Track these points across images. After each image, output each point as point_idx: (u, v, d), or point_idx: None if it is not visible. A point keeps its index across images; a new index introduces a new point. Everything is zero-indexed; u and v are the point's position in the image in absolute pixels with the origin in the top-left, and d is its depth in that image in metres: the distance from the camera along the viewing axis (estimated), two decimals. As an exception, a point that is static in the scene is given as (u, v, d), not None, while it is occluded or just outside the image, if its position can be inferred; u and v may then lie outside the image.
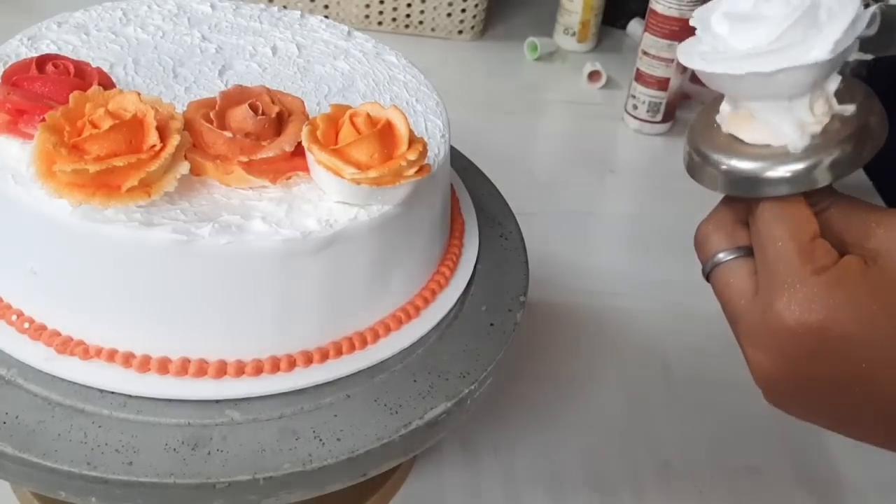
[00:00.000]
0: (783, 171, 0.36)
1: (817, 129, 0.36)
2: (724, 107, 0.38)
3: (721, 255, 0.40)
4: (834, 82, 0.36)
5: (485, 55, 1.11)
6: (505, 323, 0.51)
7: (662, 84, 0.96)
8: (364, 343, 0.46)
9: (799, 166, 0.36)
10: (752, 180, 0.37)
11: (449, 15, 1.09)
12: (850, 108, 0.36)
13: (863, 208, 0.37)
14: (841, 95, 0.36)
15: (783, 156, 0.36)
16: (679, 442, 0.64)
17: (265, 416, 0.43)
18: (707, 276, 0.41)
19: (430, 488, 0.58)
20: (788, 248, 0.35)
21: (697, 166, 0.39)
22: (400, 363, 0.47)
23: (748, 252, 0.38)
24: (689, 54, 0.37)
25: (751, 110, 0.37)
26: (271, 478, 0.41)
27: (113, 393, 0.43)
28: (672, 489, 0.61)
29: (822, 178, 0.36)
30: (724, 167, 0.38)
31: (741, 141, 0.37)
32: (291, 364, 0.45)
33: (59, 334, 0.44)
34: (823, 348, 0.34)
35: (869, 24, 0.35)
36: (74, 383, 0.43)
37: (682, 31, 0.93)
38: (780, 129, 0.36)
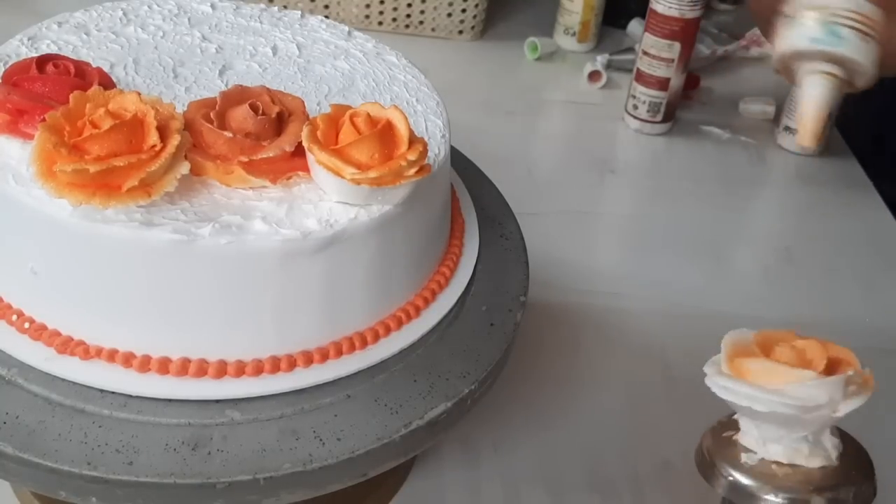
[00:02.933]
0: (781, 497, 0.41)
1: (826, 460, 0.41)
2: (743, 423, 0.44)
3: None
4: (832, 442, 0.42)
5: (485, 55, 1.11)
6: (505, 323, 0.51)
7: (663, 84, 0.96)
8: (364, 343, 0.46)
9: (796, 497, 0.40)
10: (751, 497, 0.41)
11: (449, 15, 1.09)
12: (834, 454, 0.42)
13: None
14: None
15: (784, 482, 0.41)
16: (679, 442, 0.64)
17: (265, 416, 0.43)
18: None
19: (430, 488, 0.58)
20: None
21: (707, 466, 0.44)
22: (400, 363, 0.47)
23: None
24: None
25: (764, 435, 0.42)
26: (272, 478, 0.41)
27: (113, 393, 0.43)
28: (672, 489, 0.61)
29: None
30: (730, 478, 0.43)
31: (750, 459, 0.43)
32: (292, 364, 0.45)
33: (59, 334, 0.44)
34: None
35: None
36: (75, 383, 0.43)
37: (682, 31, 0.93)
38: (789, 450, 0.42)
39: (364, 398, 0.45)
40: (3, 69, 0.47)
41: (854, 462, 0.42)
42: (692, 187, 0.92)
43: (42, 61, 0.46)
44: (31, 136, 0.43)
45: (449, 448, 0.60)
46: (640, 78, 0.97)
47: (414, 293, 0.50)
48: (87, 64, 0.48)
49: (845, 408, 0.40)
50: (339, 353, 0.46)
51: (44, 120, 0.40)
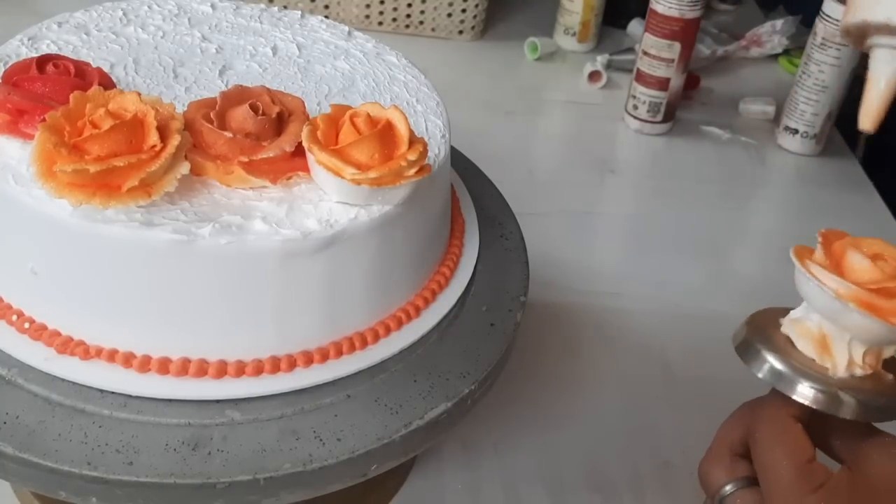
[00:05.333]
0: (814, 388, 0.40)
1: (860, 372, 0.40)
2: (795, 312, 0.42)
3: (727, 488, 0.42)
4: (892, 349, 0.41)
5: (485, 55, 1.11)
6: (505, 323, 0.51)
7: (663, 84, 0.96)
8: (364, 343, 0.46)
9: (827, 391, 0.39)
10: (788, 381, 0.40)
11: (449, 15, 1.09)
12: (889, 377, 0.41)
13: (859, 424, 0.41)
14: (890, 363, 0.41)
15: (821, 377, 0.40)
16: (679, 442, 0.64)
17: (265, 416, 0.43)
18: None
19: (430, 488, 0.58)
20: (788, 471, 0.38)
21: (748, 350, 0.42)
22: (400, 363, 0.47)
23: (750, 482, 0.41)
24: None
25: (819, 327, 0.41)
26: (272, 478, 0.41)
27: (113, 393, 0.43)
28: (672, 489, 0.61)
29: (846, 412, 0.39)
30: (767, 363, 0.41)
31: (793, 345, 0.41)
32: (292, 364, 0.45)
33: (59, 334, 0.44)
34: None
35: None
36: (75, 383, 0.43)
37: (682, 31, 0.93)
38: (832, 354, 0.40)
39: (364, 398, 0.45)
40: (3, 69, 0.47)
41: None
42: (692, 187, 0.92)
43: (42, 61, 0.46)
44: (31, 136, 0.43)
45: (449, 448, 0.61)
46: (641, 78, 0.97)
47: (414, 293, 0.50)
48: (87, 64, 0.48)
49: None
50: (339, 353, 0.46)
51: (44, 120, 0.40)
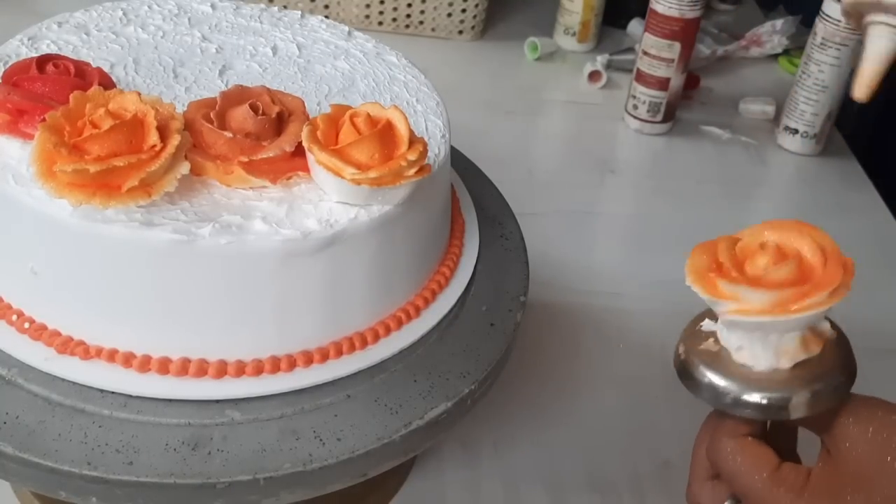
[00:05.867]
0: (758, 397, 0.38)
1: (796, 359, 0.38)
2: (707, 325, 0.41)
3: None
4: (824, 325, 0.39)
5: (485, 55, 1.11)
6: (505, 323, 0.51)
7: (663, 84, 0.96)
8: (364, 343, 0.46)
9: (775, 395, 0.38)
10: (733, 399, 0.38)
11: (449, 15, 1.09)
12: (825, 352, 0.38)
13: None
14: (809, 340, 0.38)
15: (761, 382, 0.38)
16: (679, 441, 0.64)
17: (265, 416, 0.43)
18: None
19: (430, 488, 0.58)
20: (763, 486, 0.38)
21: (688, 374, 0.40)
22: (400, 363, 0.47)
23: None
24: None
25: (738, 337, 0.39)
26: (272, 478, 0.41)
27: (113, 393, 0.43)
28: (672, 489, 0.61)
29: (796, 411, 0.38)
30: (706, 380, 0.39)
31: (729, 356, 0.39)
32: (292, 364, 0.45)
33: (59, 334, 0.44)
34: None
35: None
36: (75, 383, 0.43)
37: (682, 31, 0.93)
38: (760, 356, 0.38)
39: (364, 398, 0.45)
40: (3, 69, 0.47)
41: (837, 350, 0.39)
42: (692, 187, 0.92)
43: (42, 61, 0.46)
44: (31, 136, 0.43)
45: (449, 448, 0.60)
46: (640, 78, 0.97)
47: (414, 293, 0.50)
48: (87, 64, 0.48)
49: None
50: (339, 353, 0.46)
51: (44, 120, 0.40)
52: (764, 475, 0.38)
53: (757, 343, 0.38)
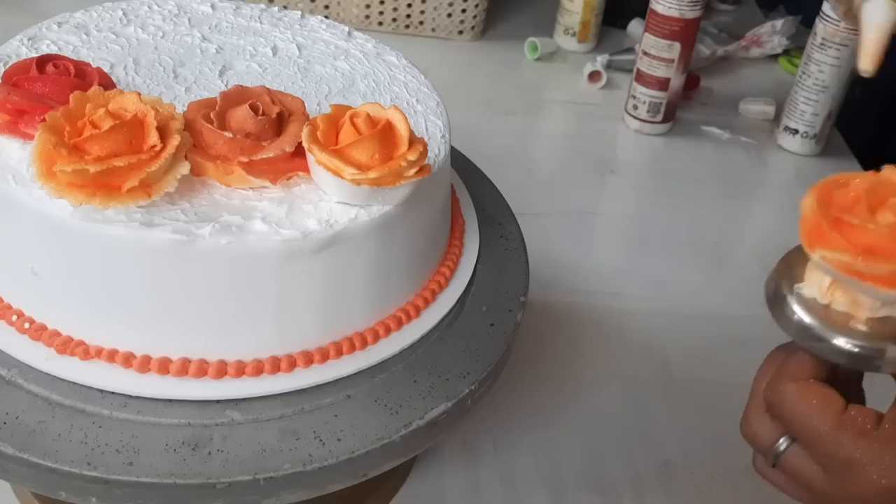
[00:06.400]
0: (850, 345, 0.37)
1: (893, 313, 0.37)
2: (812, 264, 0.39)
3: (780, 444, 0.40)
4: None
5: (485, 55, 1.11)
6: (505, 323, 0.51)
7: (663, 84, 0.96)
8: (364, 343, 0.46)
9: (866, 345, 0.37)
10: (821, 340, 0.37)
11: (449, 15, 1.09)
12: None
13: None
14: None
15: (856, 332, 0.37)
16: (679, 442, 0.64)
17: (265, 416, 0.43)
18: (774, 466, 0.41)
19: (430, 488, 0.58)
20: (826, 425, 0.37)
21: (778, 305, 0.39)
22: (400, 363, 0.47)
23: None
24: None
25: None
26: (272, 478, 0.41)
27: (113, 393, 0.43)
28: (672, 489, 0.61)
29: (886, 367, 0.37)
30: (796, 317, 0.38)
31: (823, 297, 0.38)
32: (292, 364, 0.45)
33: (59, 334, 0.44)
34: None
35: None
36: (75, 383, 0.43)
37: (682, 31, 0.93)
38: (865, 304, 0.37)
39: (364, 398, 0.45)
40: (3, 69, 0.47)
41: None
42: (692, 187, 0.92)
43: (42, 61, 0.46)
44: (31, 137, 0.43)
45: (449, 448, 0.61)
46: (640, 78, 0.97)
47: (414, 293, 0.50)
48: (87, 64, 0.48)
49: None
50: (339, 353, 0.46)
51: (44, 120, 0.40)
52: (828, 417, 0.37)
53: (855, 293, 0.37)
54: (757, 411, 0.41)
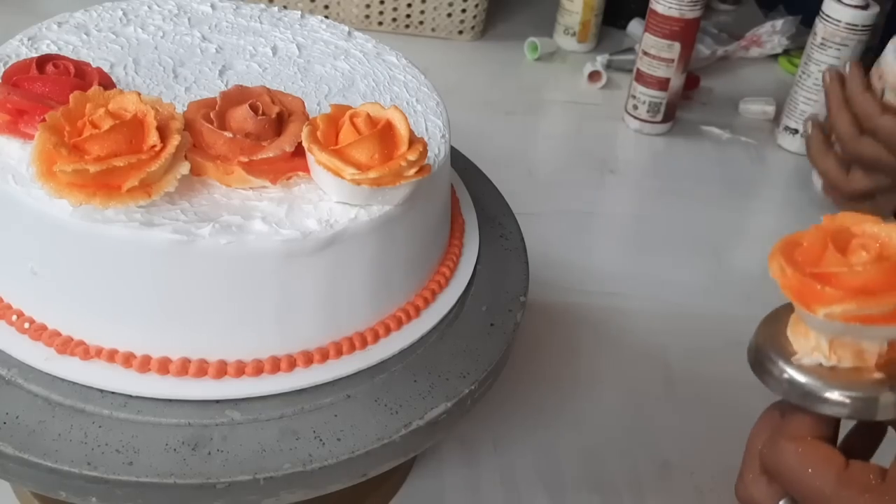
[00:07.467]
0: (841, 395, 0.36)
1: (882, 359, 0.37)
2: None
3: None
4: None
5: (485, 55, 1.11)
6: (505, 323, 0.51)
7: (663, 84, 0.96)
8: (364, 343, 0.46)
9: (860, 394, 0.36)
10: (812, 396, 0.37)
11: (449, 15, 1.09)
12: None
13: None
14: None
15: (845, 380, 0.37)
16: (679, 442, 0.64)
17: (265, 416, 0.43)
18: None
19: (430, 488, 0.58)
20: (829, 483, 0.36)
21: (772, 376, 0.39)
22: (400, 363, 0.47)
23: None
24: None
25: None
26: (271, 478, 0.41)
27: (113, 393, 0.43)
28: (672, 489, 0.61)
29: (883, 413, 0.36)
30: (785, 376, 0.38)
31: (810, 353, 0.38)
32: (292, 364, 0.45)
33: (59, 334, 0.44)
34: None
35: None
36: (75, 383, 0.43)
37: (682, 31, 0.93)
38: (870, 351, 0.37)
39: (364, 398, 0.45)
40: (3, 69, 0.47)
41: None
42: (692, 187, 0.92)
43: (42, 61, 0.46)
44: (31, 136, 0.43)
45: (449, 448, 0.60)
46: (640, 78, 0.97)
47: (414, 293, 0.50)
48: (87, 64, 0.48)
49: None
50: (339, 353, 0.46)
51: (44, 120, 0.40)
52: (831, 476, 0.36)
53: (857, 342, 0.37)
54: (753, 472, 0.40)
